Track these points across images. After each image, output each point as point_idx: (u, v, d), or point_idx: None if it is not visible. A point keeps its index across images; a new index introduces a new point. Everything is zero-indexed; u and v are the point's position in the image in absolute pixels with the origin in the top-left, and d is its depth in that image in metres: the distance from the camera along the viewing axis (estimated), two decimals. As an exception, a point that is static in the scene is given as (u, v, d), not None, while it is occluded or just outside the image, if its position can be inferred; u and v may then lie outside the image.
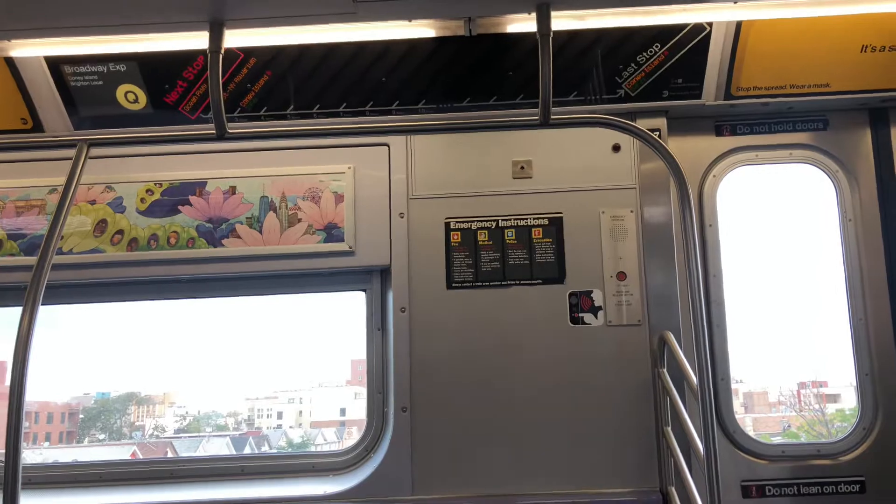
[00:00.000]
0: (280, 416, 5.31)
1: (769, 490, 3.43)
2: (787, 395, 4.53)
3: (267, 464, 3.52)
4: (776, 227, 3.85)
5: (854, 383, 3.59)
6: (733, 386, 4.44)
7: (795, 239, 3.82)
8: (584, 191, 3.44)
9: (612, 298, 3.37)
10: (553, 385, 3.30)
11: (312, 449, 4.96)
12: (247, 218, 3.39)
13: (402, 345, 3.34)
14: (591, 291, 3.37)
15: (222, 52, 2.33)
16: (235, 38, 2.43)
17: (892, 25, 3.23)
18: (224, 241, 3.38)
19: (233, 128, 2.46)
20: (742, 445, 3.50)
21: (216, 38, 2.31)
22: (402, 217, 3.41)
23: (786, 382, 4.45)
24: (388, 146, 3.46)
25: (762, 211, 3.83)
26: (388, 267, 3.40)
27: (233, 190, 3.41)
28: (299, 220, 3.40)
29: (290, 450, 5.11)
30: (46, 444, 4.82)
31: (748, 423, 4.55)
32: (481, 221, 3.43)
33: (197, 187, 3.40)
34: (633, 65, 3.31)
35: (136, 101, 3.30)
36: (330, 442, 3.72)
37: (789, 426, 4.56)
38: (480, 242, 3.41)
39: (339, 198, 3.41)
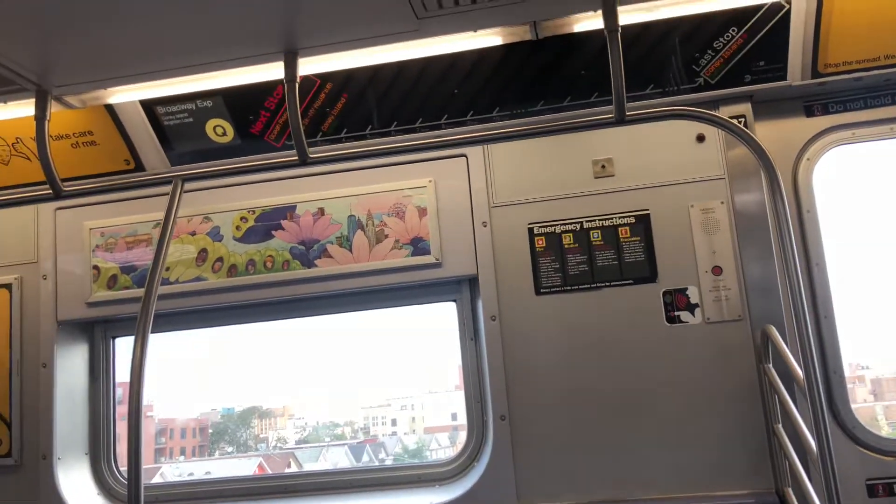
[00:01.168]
0: (394, 423, 5.42)
1: None
2: None
3: (376, 476, 3.62)
4: (883, 206, 3.62)
5: None
6: (860, 373, 4.21)
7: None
8: (671, 185, 3.35)
9: (708, 294, 3.26)
10: (653, 387, 3.22)
11: (427, 453, 5.04)
12: (336, 238, 3.50)
13: (496, 353, 3.35)
14: (686, 288, 3.28)
15: (298, 80, 2.43)
16: (310, 66, 2.53)
17: None
18: (317, 262, 3.50)
19: (315, 152, 2.55)
20: (863, 441, 3.29)
21: (291, 67, 2.41)
22: (485, 226, 3.44)
23: None
24: (466, 157, 3.50)
25: (867, 191, 3.62)
26: (476, 276, 3.43)
27: (321, 212, 3.53)
28: (386, 236, 3.48)
29: (405, 456, 5.23)
30: (182, 458, 5.10)
31: (878, 410, 4.29)
32: (565, 224, 3.41)
33: (287, 211, 3.55)
34: (710, 51, 3.20)
35: (224, 134, 3.48)
36: (444, 446, 3.78)
37: None
38: (566, 245, 3.38)
39: (422, 211, 3.47)
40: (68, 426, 3.68)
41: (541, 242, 3.40)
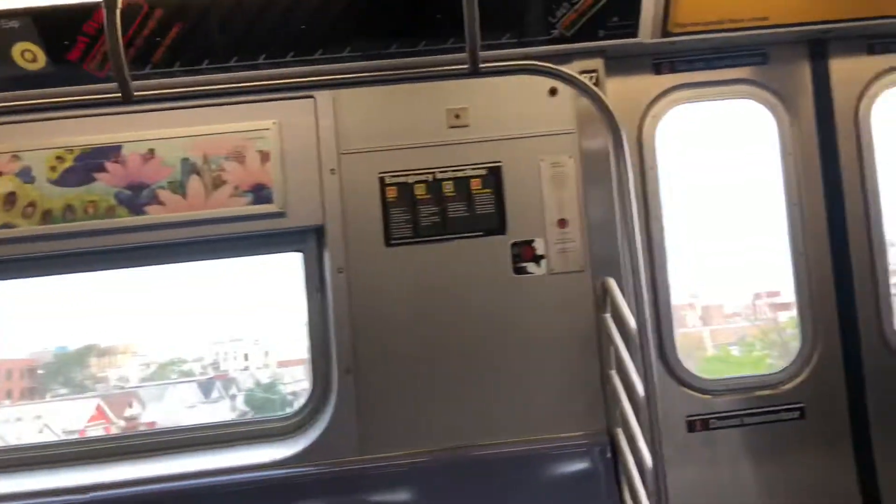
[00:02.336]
0: (246, 357, 5.26)
1: (713, 423, 3.51)
2: (742, 307, 4.64)
3: (216, 433, 3.47)
4: (720, 163, 3.81)
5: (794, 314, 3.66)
6: (690, 301, 4.54)
7: (740, 174, 3.79)
8: (523, 138, 3.33)
9: (554, 247, 3.32)
10: (499, 337, 3.28)
11: (281, 387, 4.96)
12: (168, 182, 3.22)
13: (342, 306, 3.26)
14: (533, 241, 3.32)
15: (120, 5, 2.12)
16: None
17: (831, -45, 3.14)
18: (146, 209, 3.21)
19: (141, 87, 2.27)
20: (687, 382, 3.56)
21: None
22: (333, 173, 3.27)
23: (742, 295, 4.56)
24: (314, 98, 3.28)
25: (706, 148, 3.79)
26: (323, 226, 3.29)
27: (151, 153, 3.22)
28: (225, 182, 3.24)
29: (258, 390, 5.12)
30: (7, 401, 4.72)
31: (706, 335, 4.66)
32: (417, 175, 3.31)
33: (112, 152, 3.20)
34: (565, 3, 3.16)
35: (34, 59, 3.05)
36: (298, 379, 3.73)
37: (745, 336, 4.69)
38: (418, 196, 3.31)
39: (264, 156, 3.24)
40: None
41: (392, 192, 3.30)
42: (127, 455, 3.41)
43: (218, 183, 3.23)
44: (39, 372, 4.81)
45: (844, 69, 3.60)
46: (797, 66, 3.60)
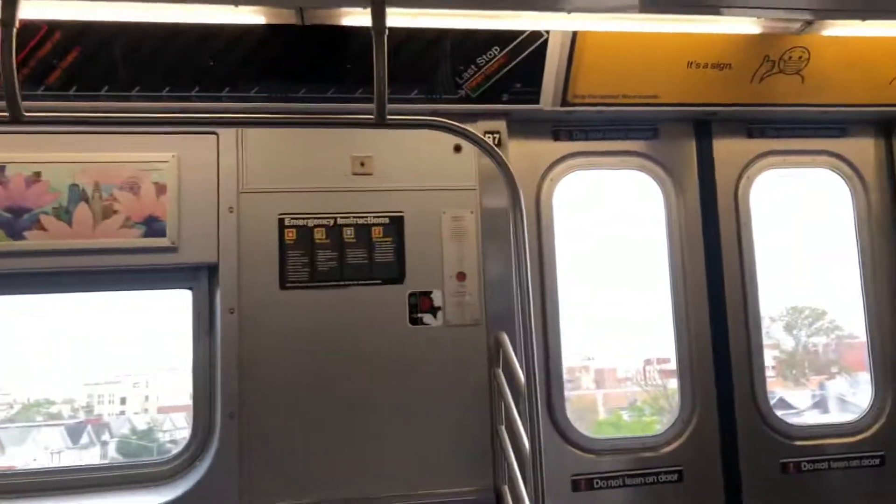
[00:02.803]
0: (123, 401, 4.92)
1: (597, 483, 3.57)
2: (634, 371, 4.77)
3: (83, 477, 3.24)
4: (613, 228, 3.99)
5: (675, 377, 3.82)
6: (585, 363, 4.65)
7: (632, 240, 3.98)
8: (426, 190, 3.39)
9: (451, 299, 3.35)
10: (392, 387, 3.25)
11: (160, 434, 4.67)
12: (53, 208, 3.06)
13: (231, 347, 3.16)
14: (431, 292, 3.34)
15: (17, 25, 2.04)
16: (33, 9, 2.14)
17: (716, 43, 3.41)
18: (26, 234, 3.03)
19: (33, 109, 2.17)
20: (573, 441, 3.61)
21: (10, 8, 2.02)
22: (231, 212, 3.21)
23: (633, 361, 4.71)
24: (217, 135, 3.24)
25: (603, 213, 3.97)
26: (216, 264, 3.20)
27: (37, 176, 3.06)
28: (115, 212, 3.11)
29: (133, 437, 4.80)
30: None
31: (599, 397, 4.76)
32: (318, 219, 3.30)
33: (-8, 172, 3.03)
34: (473, 66, 3.28)
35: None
36: (179, 427, 3.51)
37: (636, 400, 4.81)
38: (317, 241, 3.28)
39: (160, 188, 3.15)
40: None
41: (291, 235, 3.26)
42: None
43: (108, 213, 3.10)
44: None
45: (726, 149, 3.88)
46: (684, 143, 3.86)
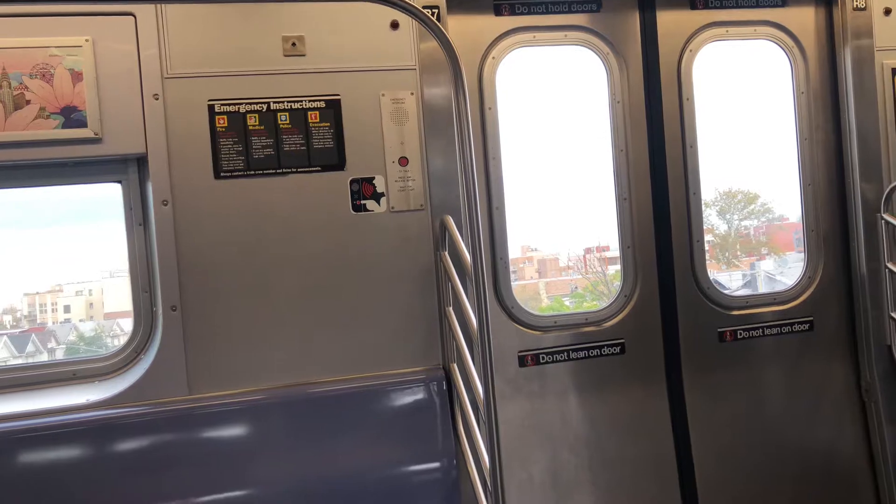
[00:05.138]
0: (67, 309, 4.82)
1: (543, 358, 3.69)
2: (575, 259, 4.87)
3: (25, 374, 3.19)
4: (555, 107, 3.93)
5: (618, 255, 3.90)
6: (529, 254, 4.72)
7: (573, 119, 3.94)
8: (363, 71, 3.24)
9: (394, 184, 3.28)
10: (337, 274, 3.22)
11: (108, 340, 4.63)
12: (-41, 99, 2.83)
13: (167, 240, 3.07)
14: (374, 178, 3.26)
15: None
16: None
17: None
18: (-68, 127, 2.81)
19: None
20: (519, 319, 3.70)
21: None
22: (156, 99, 3.03)
23: (574, 249, 4.80)
24: (134, 15, 3.00)
25: (542, 92, 3.89)
26: (145, 155, 3.04)
27: (-64, 64, 2.81)
28: (28, 102, 2.89)
29: (81, 344, 4.74)
30: None
31: (541, 287, 4.87)
32: (250, 104, 3.13)
33: None
34: (411, -70, 3.08)
35: None
36: (127, 332, 3.48)
37: (576, 287, 4.94)
38: (251, 127, 3.13)
39: (76, 76, 2.93)
40: None
41: (222, 122, 3.10)
42: None
43: (20, 103, 2.88)
44: None
45: (670, 20, 3.80)
46: (627, 15, 3.76)
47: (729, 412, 3.87)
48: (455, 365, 3.20)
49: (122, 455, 3.02)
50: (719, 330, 3.87)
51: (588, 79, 3.79)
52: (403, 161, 3.29)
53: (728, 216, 4.68)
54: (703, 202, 3.93)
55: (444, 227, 3.20)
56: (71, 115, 2.94)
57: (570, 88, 3.92)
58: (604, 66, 3.76)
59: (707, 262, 3.95)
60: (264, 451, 3.08)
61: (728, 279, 4.60)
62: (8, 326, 4.63)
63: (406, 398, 3.27)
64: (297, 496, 3.05)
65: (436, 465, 3.19)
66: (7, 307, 4.71)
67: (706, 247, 3.99)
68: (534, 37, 3.65)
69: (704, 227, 3.98)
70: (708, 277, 3.91)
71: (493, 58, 3.59)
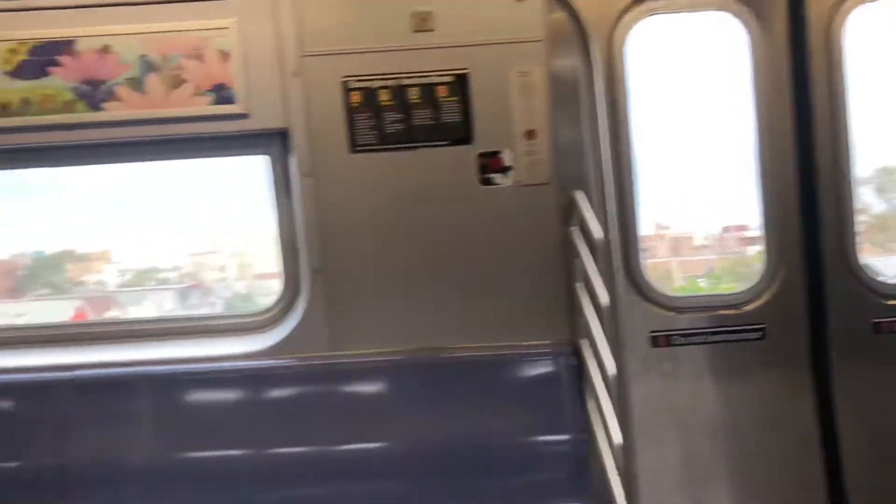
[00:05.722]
0: (223, 269, 5.30)
1: (676, 339, 3.56)
2: (711, 238, 4.66)
3: (190, 325, 3.56)
4: (691, 77, 3.74)
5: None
6: (660, 232, 4.56)
7: (710, 90, 3.73)
8: (491, 45, 3.24)
9: (522, 158, 3.27)
10: (466, 246, 3.28)
11: (257, 299, 5.04)
12: (126, 79, 3.14)
13: (309, 209, 3.26)
14: (501, 152, 3.27)
15: None
16: None
17: None
18: (104, 105, 3.14)
19: None
20: (651, 297, 3.59)
21: None
22: (295, 76, 3.20)
23: (710, 227, 4.57)
24: None
25: (677, 61, 3.70)
26: (287, 130, 3.24)
27: (106, 49, 3.12)
28: (185, 81, 3.16)
29: (235, 300, 5.19)
30: None
31: (674, 266, 4.70)
32: (382, 80, 3.24)
33: (64, 47, 3.11)
34: None
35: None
36: (275, 292, 3.80)
37: (712, 268, 4.73)
38: (382, 103, 3.24)
39: (224, 56, 3.16)
40: None
41: (356, 98, 3.23)
42: (109, 339, 3.50)
43: (178, 82, 3.16)
44: (19, 273, 4.85)
45: None
46: None
47: (886, 411, 3.56)
48: (585, 342, 3.16)
49: (268, 402, 3.28)
50: (875, 320, 3.56)
51: (727, 46, 3.56)
52: (531, 134, 3.27)
53: (887, 195, 4.24)
54: (856, 179, 3.61)
55: (572, 202, 3.16)
56: (221, 93, 3.17)
57: (706, 57, 3.69)
58: (745, 31, 3.51)
59: (860, 246, 3.62)
60: (397, 409, 3.22)
61: (884, 264, 4.17)
62: (175, 282, 5.13)
63: (535, 370, 3.29)
64: (428, 456, 3.16)
65: (565, 437, 3.18)
66: (175, 265, 5.23)
67: (860, 228, 3.66)
68: (668, 3, 3.48)
69: (858, 207, 3.65)
70: (862, 262, 3.59)
71: (624, 27, 3.46)
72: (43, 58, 3.12)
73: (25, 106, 3.12)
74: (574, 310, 3.24)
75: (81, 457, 3.14)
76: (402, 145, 3.26)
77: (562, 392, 3.22)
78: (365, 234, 3.27)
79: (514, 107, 3.26)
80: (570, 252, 3.21)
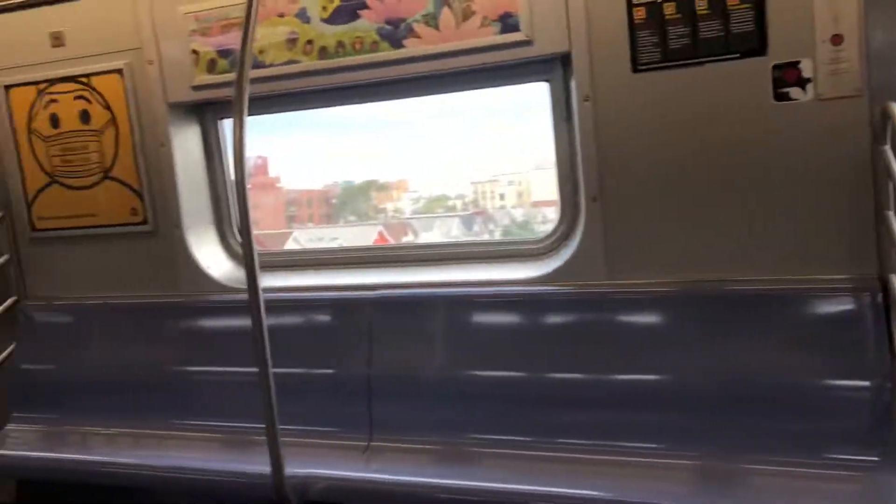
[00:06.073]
0: (502, 197, 5.56)
1: None
2: None
3: (474, 250, 3.81)
4: None
5: None
6: None
7: None
8: None
9: (824, 67, 2.94)
10: (755, 168, 3.06)
11: (534, 226, 5.24)
12: (423, 15, 3.37)
13: (588, 135, 3.26)
14: (799, 62, 2.97)
15: None
16: None
17: None
18: (404, 42, 3.42)
19: None
20: None
21: None
22: None
23: None
24: None
25: None
26: (569, 54, 3.25)
27: (406, -14, 3.37)
28: (474, 13, 3.31)
29: (514, 227, 5.47)
30: (311, 224, 5.61)
31: None
32: None
33: (371, -13, 3.42)
34: None
35: None
36: (551, 220, 3.96)
37: None
38: (667, 16, 3.10)
39: (508, -18, 3.24)
40: (192, 199, 4.04)
41: (640, 13, 3.13)
42: (405, 263, 3.91)
43: (468, 14, 3.32)
44: (332, 201, 5.53)
45: None
46: None
47: None
48: (894, 276, 2.83)
49: (544, 327, 3.41)
50: None
51: None
52: (837, 39, 2.92)
53: None
54: None
55: (886, 116, 2.79)
56: (507, 21, 3.27)
57: None
58: None
59: None
60: (674, 342, 3.14)
61: None
62: (459, 209, 5.50)
63: (830, 307, 3.02)
64: (704, 391, 3.05)
65: (866, 383, 2.88)
66: (459, 193, 5.60)
67: None
68: None
69: None
70: None
71: None
72: (353, 2, 3.47)
73: (340, 48, 3.52)
74: (883, 241, 2.91)
75: (382, 368, 3.52)
76: (688, 61, 3.10)
77: (864, 333, 2.91)
78: (645, 160, 3.18)
79: (817, 7, 2.92)
80: (881, 174, 2.87)
